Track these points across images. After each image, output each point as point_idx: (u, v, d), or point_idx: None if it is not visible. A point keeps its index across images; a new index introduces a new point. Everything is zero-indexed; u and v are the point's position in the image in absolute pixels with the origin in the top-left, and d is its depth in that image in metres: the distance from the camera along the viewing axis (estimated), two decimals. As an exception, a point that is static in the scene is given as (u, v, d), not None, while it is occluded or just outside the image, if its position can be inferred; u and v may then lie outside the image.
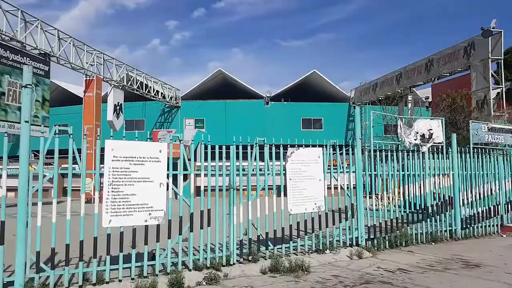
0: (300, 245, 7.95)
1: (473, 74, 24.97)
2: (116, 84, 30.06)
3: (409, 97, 32.61)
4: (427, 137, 10.05)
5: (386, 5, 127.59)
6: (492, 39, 23.31)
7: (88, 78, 27.31)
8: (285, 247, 7.74)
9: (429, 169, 9.97)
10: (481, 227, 10.85)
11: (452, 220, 10.27)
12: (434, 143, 10.08)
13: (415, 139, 9.86)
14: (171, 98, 38.66)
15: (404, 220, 9.67)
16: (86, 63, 26.49)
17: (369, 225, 8.97)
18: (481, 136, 11.39)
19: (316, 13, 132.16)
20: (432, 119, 10.23)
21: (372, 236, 8.97)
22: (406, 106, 32.21)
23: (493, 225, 11.13)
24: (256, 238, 7.37)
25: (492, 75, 24.20)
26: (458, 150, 10.50)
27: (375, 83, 37.23)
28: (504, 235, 10.91)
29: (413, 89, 33.82)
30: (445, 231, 10.09)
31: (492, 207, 11.14)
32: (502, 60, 23.68)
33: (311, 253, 8.00)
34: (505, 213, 11.40)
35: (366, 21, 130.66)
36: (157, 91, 36.01)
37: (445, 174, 10.31)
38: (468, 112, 22.07)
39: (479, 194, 10.97)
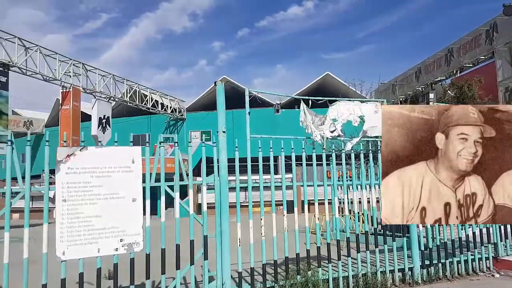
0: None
1: (497, 62, 20.69)
2: (104, 96, 28.06)
3: (431, 95, 28.26)
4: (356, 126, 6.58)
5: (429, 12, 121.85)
6: (518, 17, 19.07)
7: (64, 90, 25.33)
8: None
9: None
10: (459, 262, 7.11)
11: (405, 254, 6.69)
12: (366, 136, 6.53)
13: (332, 131, 6.39)
14: (174, 110, 36.31)
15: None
16: (62, 73, 24.52)
17: (240, 269, 5.66)
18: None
19: (356, 26, 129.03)
20: (362, 101, 6.69)
21: (249, 286, 5.63)
22: (428, 106, 27.94)
23: (480, 259, 7.36)
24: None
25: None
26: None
27: (394, 83, 33.08)
28: (497, 275, 7.14)
29: (436, 85, 29.55)
30: (391, 271, 6.52)
31: (479, 230, 7.41)
32: (532, 40, 19.32)
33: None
34: (500, 240, 7.60)
35: (409, 30, 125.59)
36: (156, 102, 33.76)
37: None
38: (482, 103, 17.80)
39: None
